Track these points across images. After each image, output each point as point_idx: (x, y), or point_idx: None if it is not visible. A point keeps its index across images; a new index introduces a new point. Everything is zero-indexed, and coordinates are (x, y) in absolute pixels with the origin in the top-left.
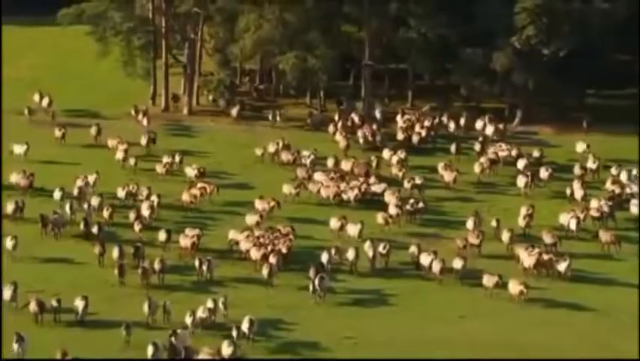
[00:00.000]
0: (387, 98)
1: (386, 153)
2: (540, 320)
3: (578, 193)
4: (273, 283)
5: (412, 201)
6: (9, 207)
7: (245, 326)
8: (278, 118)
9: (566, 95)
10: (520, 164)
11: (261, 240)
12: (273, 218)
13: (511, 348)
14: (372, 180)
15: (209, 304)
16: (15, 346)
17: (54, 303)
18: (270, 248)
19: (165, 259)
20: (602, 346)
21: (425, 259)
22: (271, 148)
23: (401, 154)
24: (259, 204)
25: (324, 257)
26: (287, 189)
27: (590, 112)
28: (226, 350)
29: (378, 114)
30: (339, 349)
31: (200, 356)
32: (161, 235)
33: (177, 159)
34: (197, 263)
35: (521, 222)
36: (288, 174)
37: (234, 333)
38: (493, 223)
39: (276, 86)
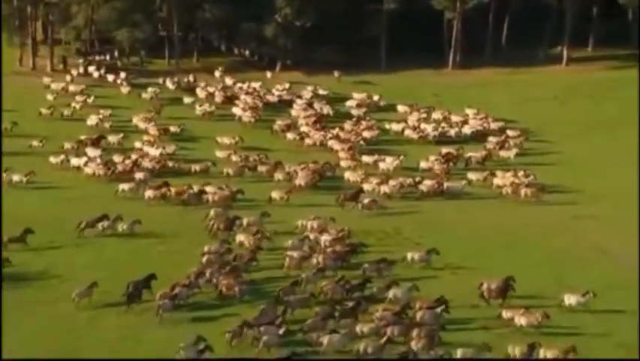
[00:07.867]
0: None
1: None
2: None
3: (431, 135)
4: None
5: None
6: (53, 160)
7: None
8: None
9: (311, 51)
10: (413, 117)
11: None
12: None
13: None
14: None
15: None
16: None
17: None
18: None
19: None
20: (507, 216)
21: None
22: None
23: (322, 109)
24: (227, 140)
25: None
26: (291, 135)
27: (330, 62)
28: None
29: (192, 77)
30: (342, 218)
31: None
32: (195, 167)
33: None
34: (209, 188)
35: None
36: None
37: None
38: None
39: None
